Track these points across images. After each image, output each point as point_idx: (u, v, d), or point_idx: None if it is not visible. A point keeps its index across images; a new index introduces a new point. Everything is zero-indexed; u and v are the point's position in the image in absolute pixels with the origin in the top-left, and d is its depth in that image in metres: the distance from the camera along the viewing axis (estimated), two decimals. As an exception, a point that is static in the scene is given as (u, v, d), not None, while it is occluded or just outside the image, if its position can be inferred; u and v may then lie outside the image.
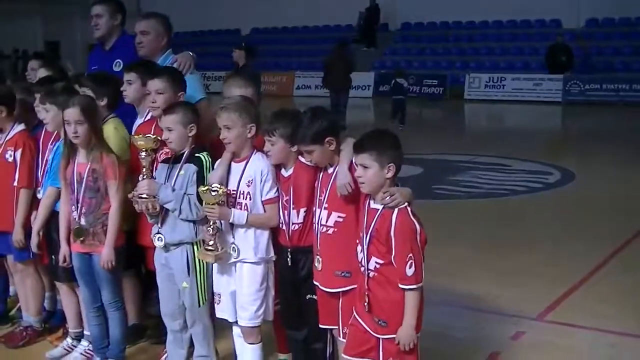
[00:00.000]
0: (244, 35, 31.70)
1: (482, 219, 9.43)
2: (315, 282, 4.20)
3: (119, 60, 5.84)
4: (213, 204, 4.14)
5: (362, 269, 3.82)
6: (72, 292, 5.15)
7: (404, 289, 3.68)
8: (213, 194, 4.11)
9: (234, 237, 4.33)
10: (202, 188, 4.16)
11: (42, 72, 5.84)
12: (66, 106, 4.69)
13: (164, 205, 4.39)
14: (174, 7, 30.74)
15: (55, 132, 5.22)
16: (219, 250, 4.21)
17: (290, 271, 4.31)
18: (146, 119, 5.06)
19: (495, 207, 10.09)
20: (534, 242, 8.07)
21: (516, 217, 9.56)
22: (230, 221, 4.23)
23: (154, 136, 4.46)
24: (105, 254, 4.63)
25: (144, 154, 4.41)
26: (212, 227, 4.19)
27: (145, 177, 4.42)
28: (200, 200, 4.27)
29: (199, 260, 4.43)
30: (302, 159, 4.18)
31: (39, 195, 5.26)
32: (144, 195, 4.38)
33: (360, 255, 3.84)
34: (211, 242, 4.20)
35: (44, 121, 5.07)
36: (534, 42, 26.40)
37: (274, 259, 4.37)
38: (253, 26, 32.03)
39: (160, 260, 4.56)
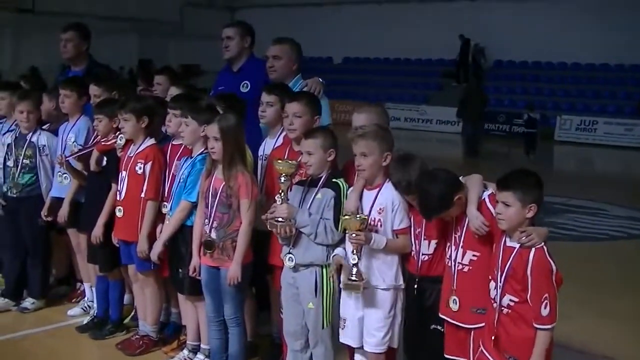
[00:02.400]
0: (335, 64, 32.04)
1: (588, 260, 9.35)
2: (444, 316, 4.24)
3: (246, 82, 6.06)
4: (358, 230, 4.22)
5: (495, 305, 3.88)
6: (194, 305, 5.28)
7: (537, 329, 3.70)
8: (358, 219, 4.22)
9: (364, 265, 4.39)
10: (346, 216, 4.27)
11: (174, 90, 6.02)
12: (208, 122, 4.88)
13: (300, 230, 4.50)
14: (265, 31, 31.48)
15: (183, 147, 5.40)
16: (363, 279, 4.27)
17: (417, 300, 4.36)
18: (277, 142, 5.21)
19: (599, 251, 9.97)
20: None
21: (621, 260, 9.44)
22: (371, 245, 4.31)
23: (295, 161, 4.62)
24: (232, 270, 4.79)
25: (283, 178, 4.55)
26: (356, 255, 4.26)
27: (282, 200, 4.52)
28: (336, 226, 4.36)
29: (327, 282, 4.56)
30: None
31: (164, 210, 5.46)
32: (280, 219, 4.49)
33: (493, 292, 3.90)
34: (354, 271, 4.27)
35: (181, 134, 5.24)
36: (628, 87, 25.94)
37: (402, 286, 4.43)
38: (345, 55, 32.33)
39: (288, 279, 4.68)
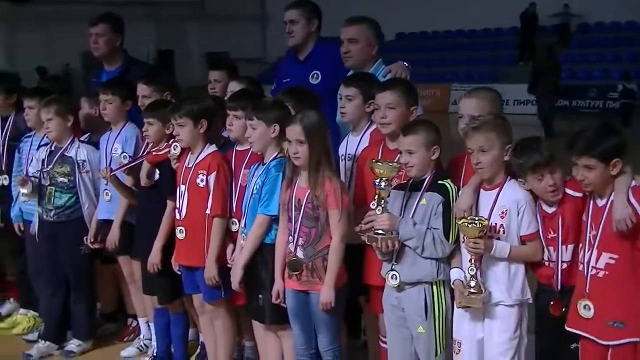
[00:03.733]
0: (387, 42, 31.96)
1: None
2: (574, 330, 4.27)
3: (316, 71, 6.15)
4: (476, 237, 4.29)
5: None
6: (277, 336, 5.35)
7: None
8: (477, 225, 4.29)
9: (483, 276, 4.48)
10: (460, 221, 4.35)
11: (235, 85, 6.10)
12: (283, 123, 4.96)
13: (404, 242, 4.57)
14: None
15: (250, 153, 5.49)
16: (484, 291, 4.34)
17: (555, 316, 4.38)
18: (362, 139, 5.28)
19: None
20: None
21: None
22: (492, 253, 4.39)
23: (395, 163, 4.67)
24: (324, 294, 4.86)
25: (383, 183, 4.62)
26: (474, 265, 4.35)
27: (382, 209, 4.59)
28: (446, 235, 4.42)
29: (438, 301, 4.63)
30: (569, 190, 4.34)
31: (233, 228, 5.56)
32: (381, 231, 4.55)
33: None
34: (473, 283, 4.37)
35: (248, 139, 5.31)
36: None
37: (530, 301, 4.46)
38: (397, 31, 32.30)
39: (391, 301, 4.76)
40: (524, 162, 4.36)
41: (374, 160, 4.72)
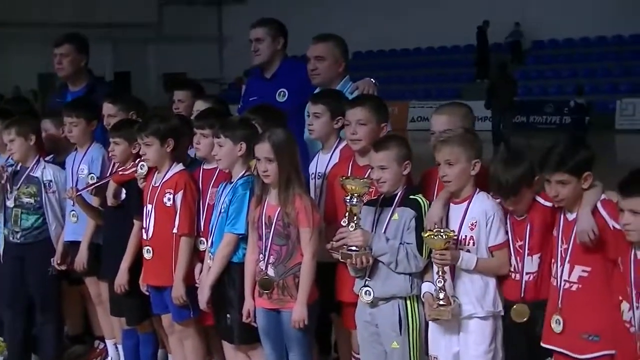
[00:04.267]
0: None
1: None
2: (548, 345, 4.29)
3: (283, 89, 6.16)
4: (442, 249, 4.29)
5: (633, 329, 3.93)
6: (247, 356, 5.32)
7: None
8: (443, 237, 4.29)
9: (454, 289, 4.47)
10: (426, 233, 4.35)
11: (201, 105, 6.09)
12: (250, 141, 4.95)
13: (377, 258, 4.57)
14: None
15: (217, 172, 5.47)
16: (452, 302, 4.34)
17: (524, 330, 4.40)
18: (332, 157, 5.30)
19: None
20: None
21: None
22: (458, 265, 4.40)
23: (366, 179, 4.67)
24: (297, 312, 4.83)
25: (355, 199, 4.61)
26: (441, 277, 4.35)
27: (356, 226, 4.59)
28: (419, 250, 4.42)
29: (412, 316, 4.63)
30: (540, 199, 4.34)
31: (201, 247, 5.53)
32: (354, 248, 4.55)
33: (628, 314, 3.94)
34: (442, 295, 4.36)
35: (215, 157, 5.30)
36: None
37: (502, 313, 4.48)
38: (355, 49, 32.42)
39: (364, 317, 4.75)
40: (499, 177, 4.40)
41: (344, 177, 4.72)
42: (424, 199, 4.62)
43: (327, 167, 5.34)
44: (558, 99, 26.31)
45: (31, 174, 6.43)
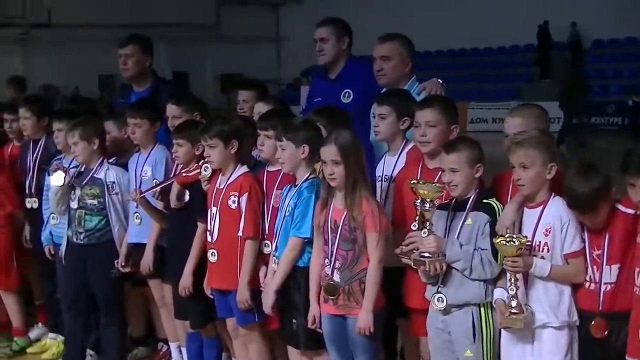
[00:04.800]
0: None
1: None
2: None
3: (348, 90, 6.07)
4: (515, 256, 4.16)
5: None
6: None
7: None
8: (515, 243, 4.15)
9: (527, 296, 4.34)
10: (498, 239, 4.21)
11: (261, 107, 6.03)
12: (313, 143, 4.87)
13: (451, 265, 4.46)
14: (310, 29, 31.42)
15: (282, 174, 5.40)
16: (525, 311, 4.22)
17: (600, 343, 4.25)
18: (399, 159, 5.19)
19: None
20: None
21: None
22: (532, 272, 4.26)
23: (438, 184, 4.55)
24: (362, 318, 4.72)
25: (427, 204, 4.48)
26: (514, 284, 4.22)
27: (428, 232, 4.48)
28: (494, 255, 4.30)
29: (486, 324, 4.49)
30: (620, 207, 4.22)
31: (266, 250, 5.45)
32: (427, 254, 4.44)
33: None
34: (514, 303, 4.23)
35: (279, 160, 5.23)
36: None
37: (577, 323, 4.34)
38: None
39: (436, 324, 4.64)
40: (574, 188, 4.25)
41: (415, 181, 4.59)
42: (497, 203, 4.48)
43: (393, 169, 5.23)
44: (620, 100, 25.86)
45: (95, 175, 6.41)
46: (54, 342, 7.21)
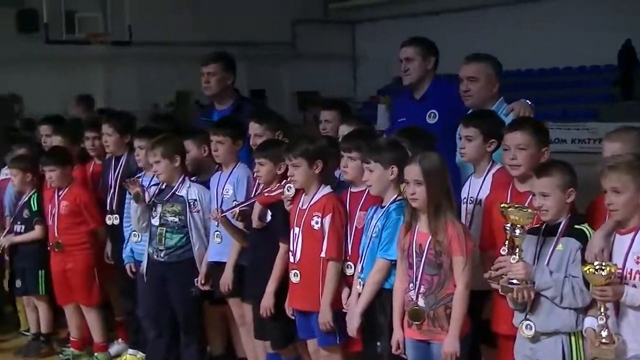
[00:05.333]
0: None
1: None
2: None
3: (433, 110, 6.01)
4: (604, 285, 4.04)
5: None
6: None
7: None
8: (603, 273, 4.02)
9: (618, 326, 4.19)
10: (586, 267, 4.09)
11: (345, 129, 5.99)
12: (401, 164, 4.81)
13: (541, 293, 4.35)
14: (391, 47, 31.45)
15: (365, 195, 5.34)
16: (616, 341, 4.08)
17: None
18: (485, 181, 5.10)
19: None
20: None
21: None
22: (622, 301, 4.12)
23: (530, 210, 4.43)
24: (448, 345, 4.62)
25: (518, 230, 4.37)
26: (604, 313, 4.08)
27: (518, 258, 4.37)
28: (586, 283, 4.18)
29: (576, 353, 4.37)
30: None
31: (348, 272, 5.39)
32: (515, 281, 4.33)
33: None
34: (604, 333, 4.09)
35: (367, 183, 5.16)
36: None
37: (674, 356, 4.17)
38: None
39: (524, 351, 4.53)
40: None
41: (505, 205, 4.48)
42: (589, 229, 4.35)
43: (479, 191, 5.13)
44: None
45: (176, 192, 6.42)
46: (133, 358, 7.26)
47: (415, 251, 4.74)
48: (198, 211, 6.40)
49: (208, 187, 6.45)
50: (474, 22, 31.00)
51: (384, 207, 5.10)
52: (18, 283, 7.78)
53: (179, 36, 29.13)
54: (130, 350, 7.36)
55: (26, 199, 7.64)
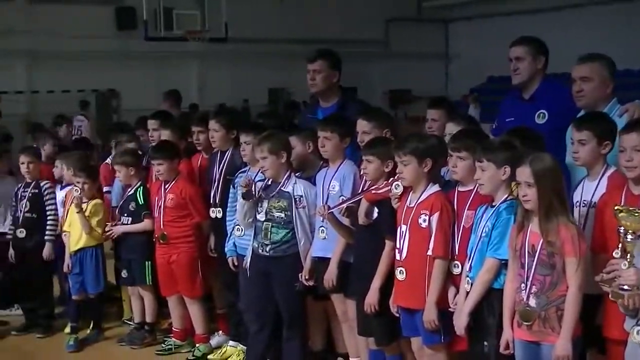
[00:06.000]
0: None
1: None
2: None
3: (543, 111, 5.96)
4: None
5: None
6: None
7: None
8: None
9: None
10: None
11: (452, 127, 5.99)
12: (513, 164, 4.81)
13: None
14: (487, 46, 31.17)
15: (473, 194, 5.34)
16: None
17: None
18: (599, 184, 5.06)
19: None
20: None
21: None
22: None
23: None
24: (560, 347, 4.58)
25: (630, 236, 4.29)
26: None
27: (629, 264, 4.29)
28: None
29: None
30: None
31: (455, 271, 5.38)
32: (626, 287, 4.26)
33: None
34: None
35: (478, 182, 5.15)
36: None
37: None
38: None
39: (636, 357, 4.43)
40: None
41: (618, 209, 4.39)
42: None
43: (593, 194, 5.06)
44: None
45: (282, 188, 6.49)
46: (234, 350, 7.37)
47: (528, 251, 4.71)
48: (304, 207, 6.45)
49: (313, 183, 6.50)
50: (571, 20, 30.45)
51: (494, 206, 5.08)
52: (124, 273, 7.99)
53: (272, 33, 29.35)
54: (231, 343, 7.49)
55: (132, 191, 7.84)
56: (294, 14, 30.63)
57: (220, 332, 7.80)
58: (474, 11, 33.27)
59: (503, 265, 4.97)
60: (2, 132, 10.32)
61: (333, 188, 6.26)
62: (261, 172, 6.65)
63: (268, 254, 6.52)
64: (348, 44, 31.02)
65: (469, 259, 5.19)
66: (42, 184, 8.49)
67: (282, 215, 6.47)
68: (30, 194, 8.45)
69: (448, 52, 36.27)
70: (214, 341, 7.72)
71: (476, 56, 32.00)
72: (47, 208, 8.45)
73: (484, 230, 5.08)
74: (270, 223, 6.50)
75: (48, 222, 8.42)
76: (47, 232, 8.40)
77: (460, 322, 5.13)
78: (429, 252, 5.39)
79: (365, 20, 32.58)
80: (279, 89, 30.52)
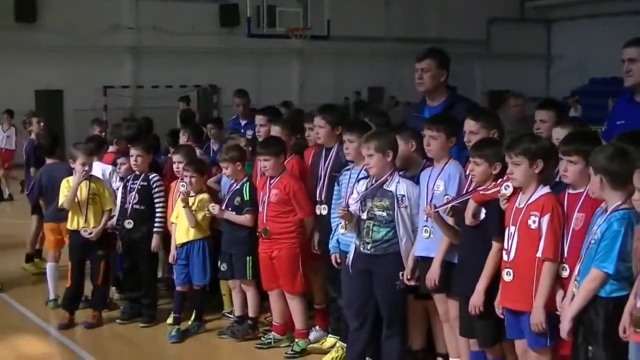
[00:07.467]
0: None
1: None
2: None
3: None
4: None
5: None
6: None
7: None
8: None
9: None
10: None
11: (560, 132, 5.93)
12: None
13: None
14: (589, 46, 30.52)
15: (584, 197, 5.25)
16: None
17: None
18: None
19: None
20: None
21: None
22: None
23: None
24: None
25: None
26: None
27: None
28: None
29: None
30: None
31: (564, 274, 5.29)
32: None
33: None
34: None
35: (589, 187, 5.04)
36: None
37: None
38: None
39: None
40: None
41: None
42: None
43: None
44: None
45: (385, 187, 6.45)
46: (333, 341, 7.41)
47: (649, 258, 4.60)
48: (406, 207, 6.40)
49: (416, 182, 6.46)
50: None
51: (608, 211, 4.96)
52: (223, 267, 8.05)
53: (373, 32, 29.39)
54: (330, 336, 7.50)
55: (238, 186, 7.89)
56: (396, 13, 30.62)
57: (318, 327, 7.82)
58: (578, 11, 32.76)
59: (610, 276, 4.86)
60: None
61: (438, 187, 6.21)
62: (365, 170, 6.63)
63: (369, 252, 6.49)
64: (449, 43, 30.85)
65: (580, 261, 5.09)
66: (150, 177, 8.63)
67: (384, 214, 6.43)
68: (139, 186, 8.61)
69: (550, 53, 35.78)
70: (311, 336, 7.74)
71: (579, 57, 31.52)
72: (155, 200, 8.60)
73: (594, 237, 4.98)
74: (372, 221, 6.46)
75: (157, 214, 8.57)
76: (155, 224, 8.55)
77: (564, 326, 5.05)
78: (538, 254, 5.30)
79: (467, 20, 32.39)
80: (379, 88, 30.54)
